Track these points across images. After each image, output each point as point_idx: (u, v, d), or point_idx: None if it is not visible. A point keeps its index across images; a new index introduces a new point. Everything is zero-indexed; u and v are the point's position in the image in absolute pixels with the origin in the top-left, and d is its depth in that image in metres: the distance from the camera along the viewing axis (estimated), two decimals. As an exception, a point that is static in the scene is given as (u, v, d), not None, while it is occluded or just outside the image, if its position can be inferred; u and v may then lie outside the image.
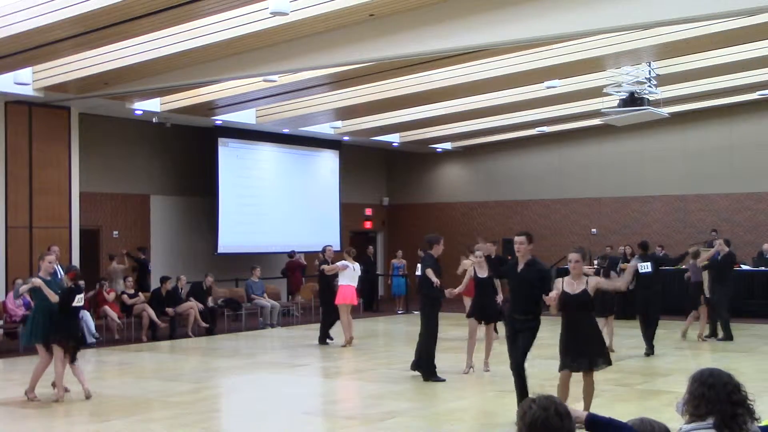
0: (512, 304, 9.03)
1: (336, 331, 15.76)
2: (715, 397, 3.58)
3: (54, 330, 10.25)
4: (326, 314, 15.89)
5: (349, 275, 15.29)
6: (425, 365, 11.43)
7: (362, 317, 20.51)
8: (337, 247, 19.98)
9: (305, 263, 21.51)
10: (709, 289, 15.43)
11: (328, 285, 15.97)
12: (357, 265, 15.51)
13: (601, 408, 8.16)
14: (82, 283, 11.22)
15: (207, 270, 18.75)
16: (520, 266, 8.82)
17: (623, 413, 8.97)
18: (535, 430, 2.93)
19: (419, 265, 12.43)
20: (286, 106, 19.64)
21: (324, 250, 16.64)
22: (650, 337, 13.72)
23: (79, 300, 10.43)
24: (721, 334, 15.58)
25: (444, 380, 11.26)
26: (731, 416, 3.56)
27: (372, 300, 22.98)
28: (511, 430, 6.61)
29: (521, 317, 8.84)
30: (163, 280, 17.37)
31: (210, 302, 17.72)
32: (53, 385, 10.49)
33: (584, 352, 8.38)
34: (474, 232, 21.37)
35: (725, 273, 15.56)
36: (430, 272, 11.36)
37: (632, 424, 3.42)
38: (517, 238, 8.86)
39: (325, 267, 15.90)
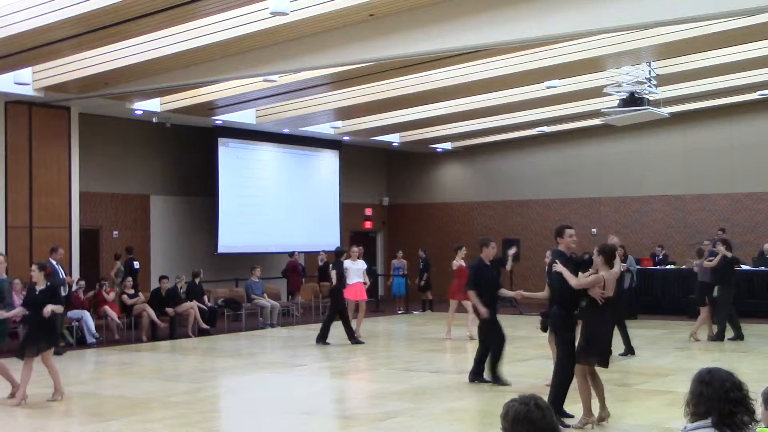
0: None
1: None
2: (712, 395, 3.58)
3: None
4: (332, 315, 15.86)
5: (354, 273, 16.07)
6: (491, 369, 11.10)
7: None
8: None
9: (303, 266, 21.51)
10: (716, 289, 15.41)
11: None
12: (360, 261, 16.45)
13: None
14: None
15: (206, 270, 18.71)
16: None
17: (623, 413, 9.02)
18: (518, 425, 3.07)
19: None
20: (286, 106, 19.63)
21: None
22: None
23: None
24: (731, 333, 15.47)
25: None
26: (728, 414, 3.55)
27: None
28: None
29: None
30: (162, 279, 17.37)
31: (206, 301, 17.74)
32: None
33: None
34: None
35: (727, 274, 15.52)
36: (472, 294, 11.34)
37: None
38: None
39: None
